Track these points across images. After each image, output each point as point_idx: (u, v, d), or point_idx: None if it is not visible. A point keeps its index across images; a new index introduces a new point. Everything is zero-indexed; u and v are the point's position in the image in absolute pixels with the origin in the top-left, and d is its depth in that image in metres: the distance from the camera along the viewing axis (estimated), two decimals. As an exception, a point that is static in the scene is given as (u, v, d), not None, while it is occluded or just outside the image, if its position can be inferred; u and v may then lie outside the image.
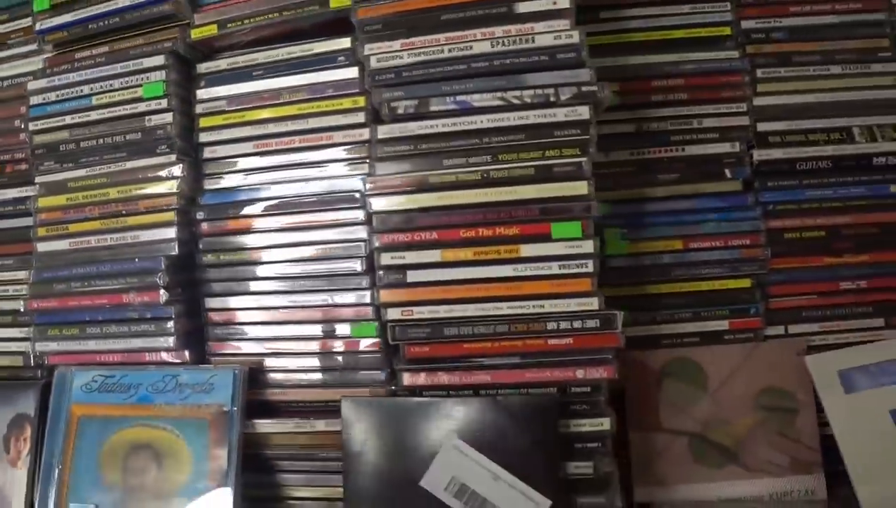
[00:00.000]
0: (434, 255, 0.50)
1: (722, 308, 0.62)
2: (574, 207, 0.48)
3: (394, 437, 0.48)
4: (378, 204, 0.50)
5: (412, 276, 0.50)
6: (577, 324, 0.49)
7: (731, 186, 0.62)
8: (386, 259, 0.50)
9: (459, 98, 0.49)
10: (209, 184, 0.58)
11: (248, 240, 0.57)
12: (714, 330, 0.62)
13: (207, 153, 0.58)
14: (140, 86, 0.58)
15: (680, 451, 0.60)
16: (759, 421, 0.61)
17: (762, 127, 0.63)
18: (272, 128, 0.57)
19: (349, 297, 0.54)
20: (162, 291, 0.56)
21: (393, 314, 0.50)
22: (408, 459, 0.48)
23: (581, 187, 0.48)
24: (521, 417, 0.47)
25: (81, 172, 0.60)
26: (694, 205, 0.62)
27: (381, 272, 0.50)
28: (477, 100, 0.49)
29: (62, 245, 0.60)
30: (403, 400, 0.49)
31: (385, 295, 0.50)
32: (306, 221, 0.55)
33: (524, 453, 0.47)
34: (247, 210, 0.57)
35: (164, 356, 0.57)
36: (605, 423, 0.49)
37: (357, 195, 0.53)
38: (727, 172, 0.62)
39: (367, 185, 0.50)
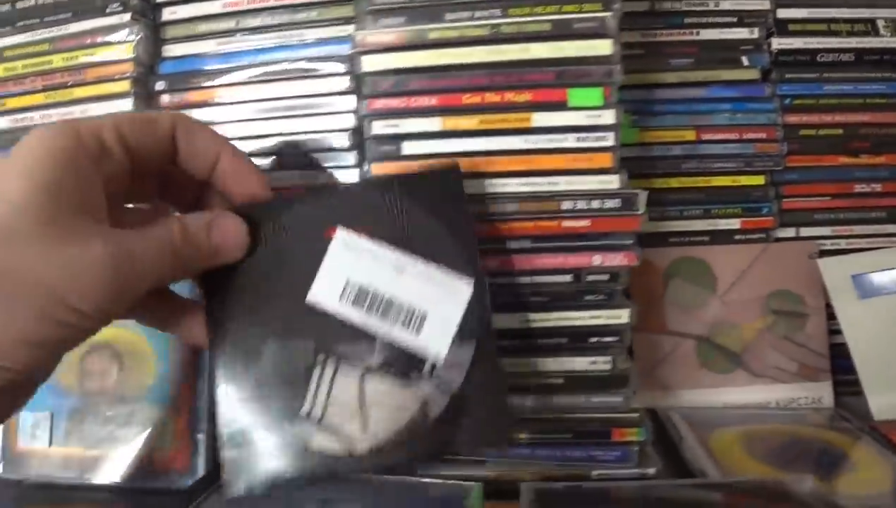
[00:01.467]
0: (433, 123, 0.44)
1: (734, 206, 0.58)
2: (594, 71, 0.43)
3: (267, 252, 0.37)
4: (368, 63, 0.43)
5: (408, 148, 0.44)
6: (595, 204, 0.44)
7: (747, 74, 0.58)
8: (378, 127, 0.44)
9: (467, -60, 0.43)
10: (169, 51, 0.51)
11: (216, 115, 0.49)
12: (725, 229, 0.58)
13: (167, 14, 0.50)
14: (87, -69, 0.49)
15: (686, 355, 0.57)
16: (767, 325, 0.57)
17: (782, 13, 0.58)
18: (244, -16, 0.49)
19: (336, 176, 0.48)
20: (116, 170, 0.48)
21: (386, 190, 0.44)
22: (287, 276, 0.37)
23: (604, 46, 0.42)
24: (422, 197, 0.37)
25: (20, 38, 0.52)
26: (707, 93, 0.57)
27: (371, 143, 0.44)
28: (487, -57, 0.43)
29: (1, 123, 0.52)
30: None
31: (377, 170, 0.44)
32: (284, 92, 0.49)
33: (430, 238, 0.37)
34: (213, 80, 0.49)
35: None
36: (623, 316, 0.44)
37: (343, 58, 0.47)
38: (744, 60, 0.57)
39: (356, 41, 0.43)
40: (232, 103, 0.49)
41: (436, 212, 0.37)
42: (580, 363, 0.44)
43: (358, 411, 0.35)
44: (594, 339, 0.44)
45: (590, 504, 0.42)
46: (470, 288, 0.36)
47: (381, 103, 0.44)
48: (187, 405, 0.47)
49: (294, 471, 0.35)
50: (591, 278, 0.44)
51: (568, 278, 0.44)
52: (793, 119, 0.58)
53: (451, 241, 0.37)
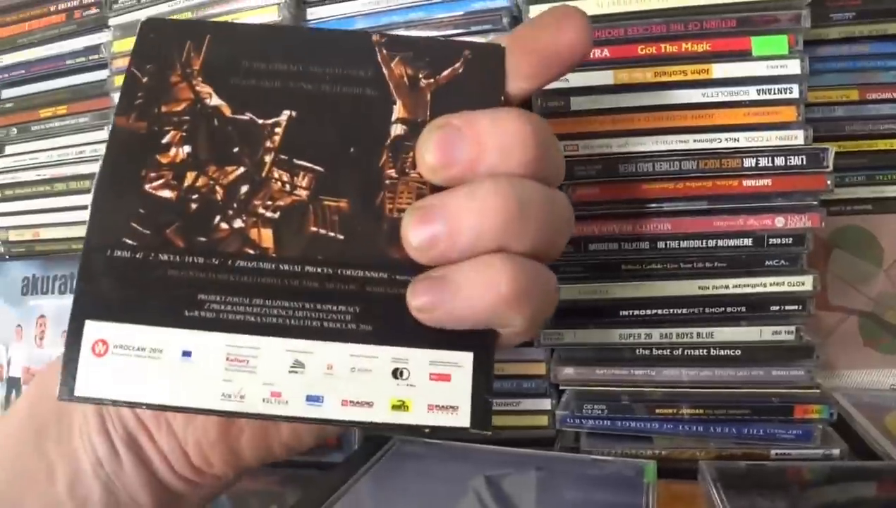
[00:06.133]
0: (605, 77, 0.41)
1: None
2: (781, 17, 0.40)
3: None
4: (535, 13, 0.41)
5: (577, 104, 0.41)
6: (778, 162, 0.40)
7: (917, 27, 0.53)
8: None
9: None
10: (314, 14, 0.49)
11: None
12: (891, 197, 0.54)
13: (311, -28, 0.49)
14: None
15: (849, 332, 0.53)
16: (939, 301, 0.53)
17: (956, -43, 0.53)
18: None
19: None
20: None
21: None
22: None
23: (802, -13, 0.39)
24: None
25: (163, 7, 0.51)
26: (872, 49, 0.53)
27: (538, 98, 0.42)
28: None
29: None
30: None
31: (543, 129, 0.42)
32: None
33: None
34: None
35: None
36: (807, 282, 0.41)
37: (505, 11, 0.45)
38: (914, 11, 0.53)
39: (520, -9, 0.41)
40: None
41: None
42: (761, 333, 0.41)
43: None
44: (776, 308, 0.41)
45: (773, 484, 0.39)
46: None
47: (545, 57, 0.41)
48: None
49: None
50: (773, 242, 0.41)
51: (748, 242, 0.41)
52: (963, 77, 0.54)
53: None
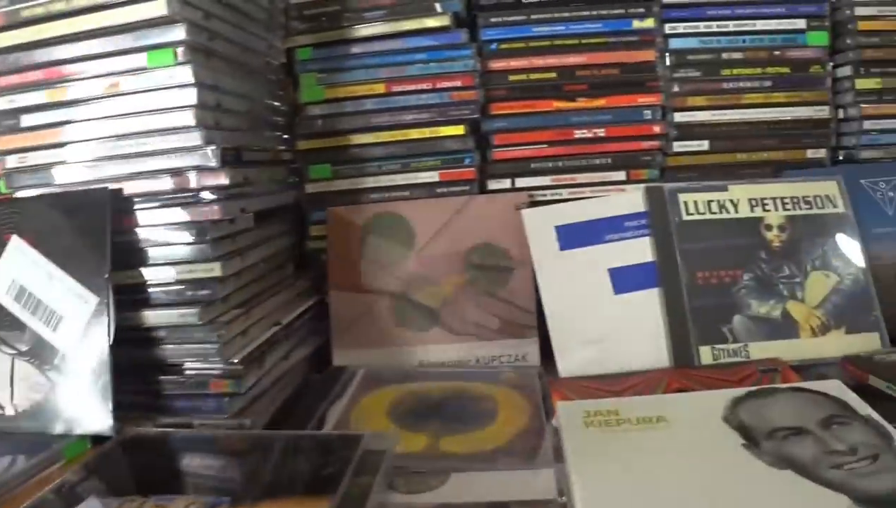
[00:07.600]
0: (40, 97, 0.47)
1: (433, 158, 0.57)
2: (162, 32, 0.44)
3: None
4: (-15, 44, 0.47)
5: (26, 120, 0.48)
6: (178, 163, 0.45)
7: (440, 21, 0.56)
8: (2, 103, 0.48)
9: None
10: None
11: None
12: (425, 183, 0.57)
13: None
14: None
15: (382, 313, 0.56)
16: (467, 281, 0.56)
17: (478, -47, 0.56)
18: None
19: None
20: None
21: (11, 162, 0.48)
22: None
23: (159, 7, 0.43)
24: (75, 214, 0.45)
25: None
26: (403, 44, 0.56)
27: (-2, 118, 0.48)
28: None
29: None
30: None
31: (4, 143, 0.48)
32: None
33: (77, 252, 0.44)
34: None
35: None
36: (215, 269, 0.46)
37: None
38: (437, 6, 0.56)
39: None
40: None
41: (83, 230, 0.44)
42: (173, 316, 0.46)
43: (8, 384, 0.45)
44: (189, 293, 0.46)
45: (173, 447, 0.44)
46: (97, 301, 0.44)
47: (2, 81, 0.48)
48: None
49: None
50: (177, 236, 0.46)
51: (152, 235, 0.46)
52: (500, 65, 0.56)
53: (90, 258, 0.44)
